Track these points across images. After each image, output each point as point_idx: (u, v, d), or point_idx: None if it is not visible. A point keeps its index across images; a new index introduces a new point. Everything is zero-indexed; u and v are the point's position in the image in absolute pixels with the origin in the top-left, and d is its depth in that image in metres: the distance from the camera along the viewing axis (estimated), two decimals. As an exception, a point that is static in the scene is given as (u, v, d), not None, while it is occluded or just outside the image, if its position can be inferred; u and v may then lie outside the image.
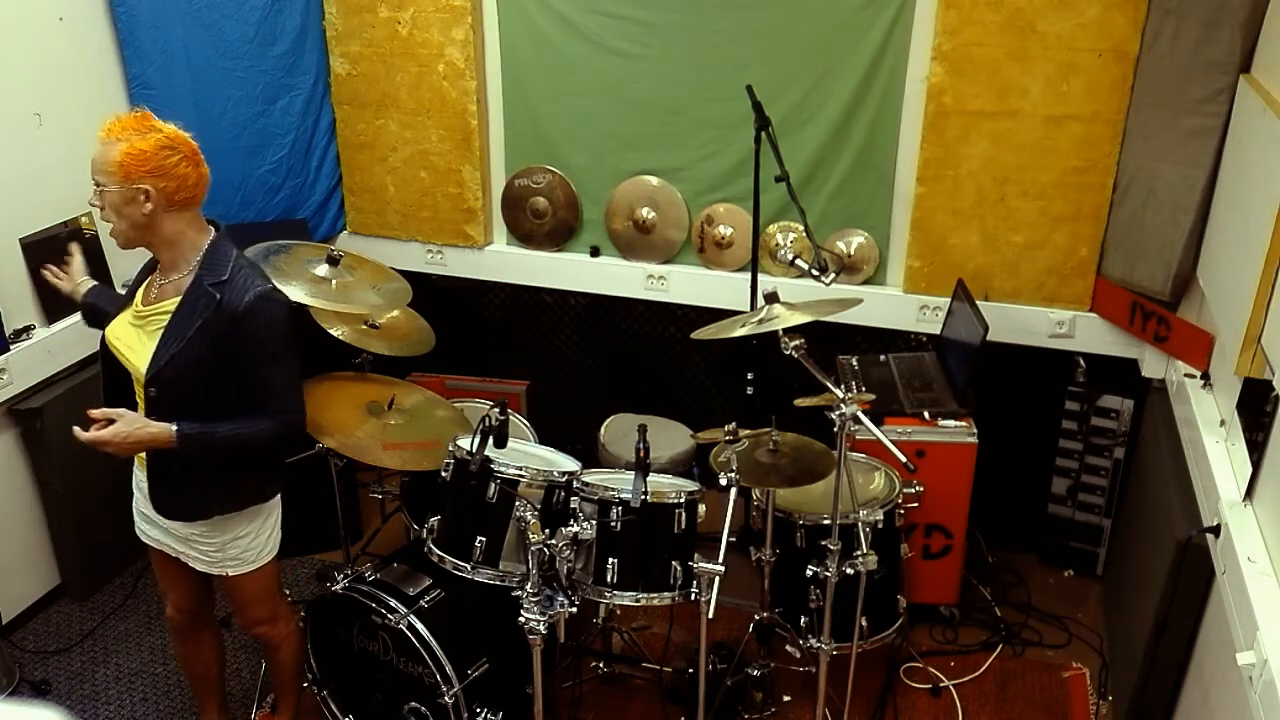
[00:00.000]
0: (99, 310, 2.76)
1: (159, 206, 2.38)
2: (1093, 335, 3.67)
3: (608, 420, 3.81)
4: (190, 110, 3.76)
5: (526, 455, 3.06)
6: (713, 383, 4.26)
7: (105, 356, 2.59)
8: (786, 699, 3.32)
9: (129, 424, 2.41)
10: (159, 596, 3.26)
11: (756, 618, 3.25)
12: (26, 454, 3.56)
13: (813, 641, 3.03)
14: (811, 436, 3.07)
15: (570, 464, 3.04)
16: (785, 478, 2.93)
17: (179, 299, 2.46)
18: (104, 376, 2.61)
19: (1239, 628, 2.32)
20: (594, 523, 2.74)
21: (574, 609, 2.69)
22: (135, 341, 2.51)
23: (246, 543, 2.68)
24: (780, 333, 2.76)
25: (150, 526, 2.74)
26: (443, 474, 2.88)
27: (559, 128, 4.05)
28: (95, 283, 2.89)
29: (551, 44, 3.92)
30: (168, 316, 2.46)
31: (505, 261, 4.31)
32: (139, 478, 2.69)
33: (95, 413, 2.42)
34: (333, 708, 3.14)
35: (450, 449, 2.89)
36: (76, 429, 2.41)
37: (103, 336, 2.59)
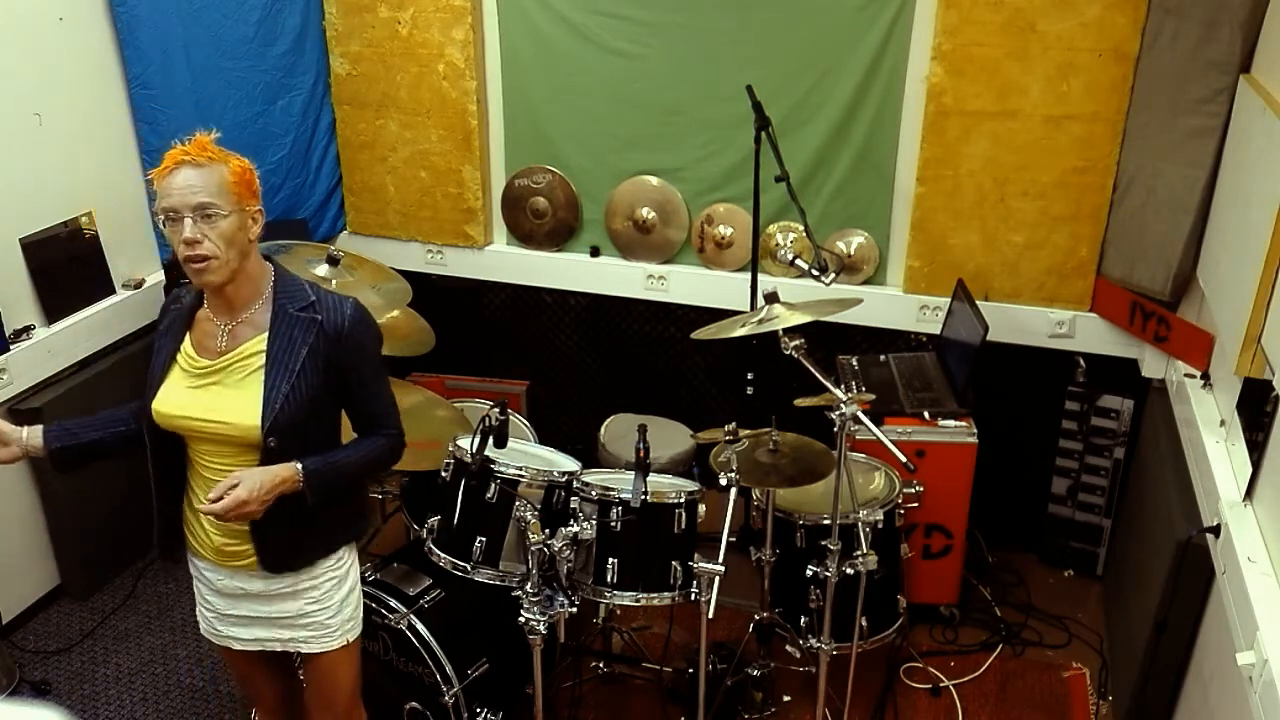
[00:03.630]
0: (82, 445, 2.31)
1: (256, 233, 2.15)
2: (1093, 335, 3.67)
3: (608, 420, 3.81)
4: (190, 110, 3.76)
5: (526, 455, 3.06)
6: (713, 383, 4.26)
7: (154, 433, 2.24)
8: (786, 699, 3.32)
9: (253, 477, 2.10)
10: (239, 701, 2.98)
11: (756, 618, 3.25)
12: (26, 454, 3.55)
13: (813, 641, 3.03)
14: (811, 436, 3.07)
15: (570, 464, 3.04)
16: (785, 478, 2.93)
17: (263, 335, 2.17)
18: (153, 456, 2.26)
19: (1239, 628, 2.32)
20: (594, 523, 2.74)
21: (574, 609, 2.69)
22: (215, 400, 2.18)
23: (359, 594, 2.43)
24: (780, 333, 2.77)
25: (244, 628, 2.38)
26: (443, 474, 2.88)
27: (559, 128, 4.05)
28: (41, 427, 2.32)
29: (551, 44, 3.92)
30: (258, 358, 2.16)
31: (505, 261, 4.31)
32: (208, 576, 2.35)
33: (215, 493, 2.09)
34: (333, 708, 3.14)
35: (450, 449, 2.89)
36: (203, 508, 2.10)
37: (150, 418, 2.21)
